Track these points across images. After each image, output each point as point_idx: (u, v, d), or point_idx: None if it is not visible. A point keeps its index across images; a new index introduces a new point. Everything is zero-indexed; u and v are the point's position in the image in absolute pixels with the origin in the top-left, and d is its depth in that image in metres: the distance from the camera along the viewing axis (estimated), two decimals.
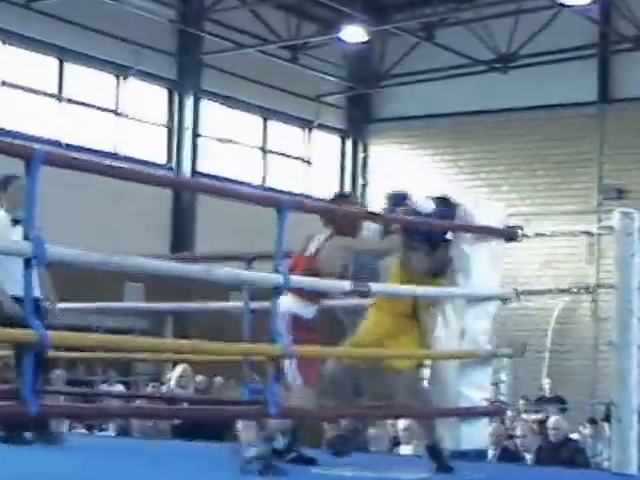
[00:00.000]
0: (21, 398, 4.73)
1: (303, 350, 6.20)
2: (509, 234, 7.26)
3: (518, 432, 11.39)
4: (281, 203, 6.03)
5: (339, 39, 20.38)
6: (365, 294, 6.68)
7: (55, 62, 18.33)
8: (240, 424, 9.89)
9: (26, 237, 4.80)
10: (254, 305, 8.37)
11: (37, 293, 7.56)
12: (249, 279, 6.41)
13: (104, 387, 15.94)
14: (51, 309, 8.04)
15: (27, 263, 4.79)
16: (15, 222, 7.89)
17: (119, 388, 16.03)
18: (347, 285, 6.41)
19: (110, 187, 13.99)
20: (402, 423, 11.07)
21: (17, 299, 7.71)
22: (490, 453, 10.29)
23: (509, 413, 12.03)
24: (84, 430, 12.97)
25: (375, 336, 6.94)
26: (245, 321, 8.55)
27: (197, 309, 11.81)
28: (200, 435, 10.46)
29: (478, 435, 7.13)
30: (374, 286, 6.53)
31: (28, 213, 4.85)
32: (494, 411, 7.38)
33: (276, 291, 5.96)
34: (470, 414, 7.00)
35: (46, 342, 4.76)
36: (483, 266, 7.08)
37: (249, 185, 20.43)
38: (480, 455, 7.84)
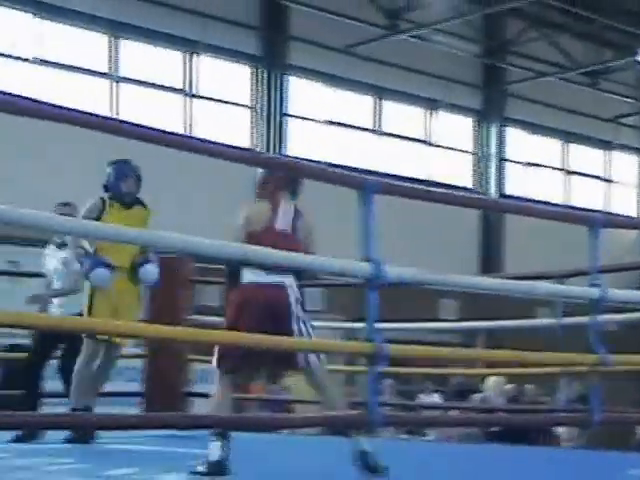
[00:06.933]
0: (366, 407, 4.78)
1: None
2: None
3: None
4: (593, 221, 5.88)
5: (636, 62, 19.85)
6: None
7: (371, 100, 18.80)
8: None
9: (366, 259, 4.91)
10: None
11: None
12: (567, 294, 6.26)
13: (421, 397, 16.05)
14: None
15: (367, 284, 4.89)
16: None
17: (435, 397, 16.09)
18: None
19: (421, 212, 14.26)
20: None
21: None
22: None
23: None
24: (406, 436, 13.10)
25: None
26: (558, 336, 8.42)
27: (510, 327, 11.68)
28: (513, 440, 10.36)
29: None
30: None
31: (366, 238, 4.94)
32: None
33: (593, 305, 5.82)
34: None
35: (385, 354, 4.84)
36: None
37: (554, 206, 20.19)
38: None
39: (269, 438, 8.53)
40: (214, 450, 5.46)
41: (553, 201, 20.72)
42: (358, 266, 4.96)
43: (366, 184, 4.97)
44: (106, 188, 7.22)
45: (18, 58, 14.88)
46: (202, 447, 5.54)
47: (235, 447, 5.59)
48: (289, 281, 5.69)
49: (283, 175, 5.80)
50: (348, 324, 10.71)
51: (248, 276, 5.68)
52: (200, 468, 5.48)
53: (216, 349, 5.69)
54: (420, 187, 5.86)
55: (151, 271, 7.26)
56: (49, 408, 7.54)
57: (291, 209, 5.81)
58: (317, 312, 16.02)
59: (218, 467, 5.47)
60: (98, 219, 7.04)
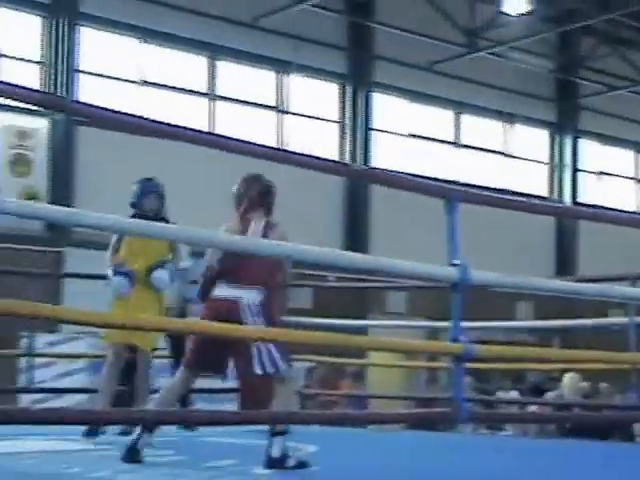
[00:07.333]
0: (452, 403, 4.81)
1: None
2: None
3: None
4: None
5: None
6: None
7: (451, 114, 18.86)
8: None
9: (452, 264, 4.94)
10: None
11: None
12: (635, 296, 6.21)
13: (500, 394, 15.92)
14: None
15: (454, 287, 4.92)
16: None
17: (513, 395, 15.95)
18: None
19: (501, 218, 14.19)
20: None
21: None
22: None
23: None
24: (486, 431, 13.03)
25: None
26: (630, 335, 8.32)
27: (583, 325, 11.57)
28: (588, 436, 10.24)
29: None
30: None
31: (452, 244, 4.97)
32: None
33: None
34: None
35: (472, 354, 4.86)
36: None
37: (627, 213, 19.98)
38: None
39: (356, 433, 8.59)
40: (277, 446, 5.53)
41: (625, 209, 20.49)
42: (446, 271, 5.00)
43: (452, 194, 5.03)
44: (133, 205, 7.22)
45: (125, 80, 15.23)
46: (293, 441, 5.64)
47: (326, 442, 5.64)
48: (249, 296, 5.62)
49: (256, 194, 5.84)
50: (431, 324, 10.63)
51: (215, 290, 5.72)
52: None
53: (188, 345, 5.78)
54: (500, 196, 5.86)
55: (160, 277, 7.15)
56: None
57: (261, 225, 5.81)
58: (401, 315, 16.10)
59: (281, 462, 5.53)
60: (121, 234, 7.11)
